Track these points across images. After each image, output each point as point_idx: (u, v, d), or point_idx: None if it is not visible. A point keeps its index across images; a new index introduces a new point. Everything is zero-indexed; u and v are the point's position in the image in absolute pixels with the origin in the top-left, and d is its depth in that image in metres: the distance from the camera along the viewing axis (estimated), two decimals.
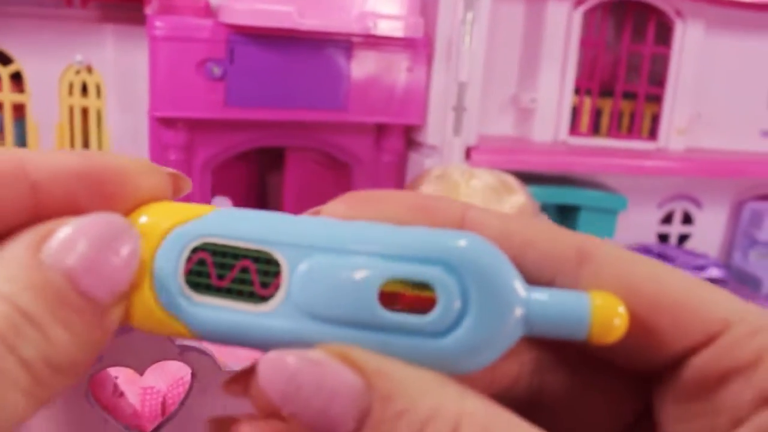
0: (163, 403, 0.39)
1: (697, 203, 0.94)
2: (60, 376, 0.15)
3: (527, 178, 0.72)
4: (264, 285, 0.16)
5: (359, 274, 0.15)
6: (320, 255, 0.16)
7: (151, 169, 0.18)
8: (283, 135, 0.75)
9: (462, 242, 0.15)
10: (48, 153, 0.17)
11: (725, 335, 0.15)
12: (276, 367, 0.15)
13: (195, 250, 0.17)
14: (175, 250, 0.17)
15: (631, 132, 0.89)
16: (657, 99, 0.88)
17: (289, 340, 0.16)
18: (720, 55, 0.90)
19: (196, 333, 0.17)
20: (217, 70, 0.66)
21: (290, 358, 0.15)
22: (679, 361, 0.16)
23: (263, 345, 0.16)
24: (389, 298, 0.15)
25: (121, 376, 0.36)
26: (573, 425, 0.18)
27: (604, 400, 0.18)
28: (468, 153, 0.76)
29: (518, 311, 0.15)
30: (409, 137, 0.80)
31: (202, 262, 0.16)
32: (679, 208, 0.94)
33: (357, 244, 0.16)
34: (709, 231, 0.95)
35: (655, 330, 0.16)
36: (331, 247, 0.16)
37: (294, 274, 0.16)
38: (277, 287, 0.16)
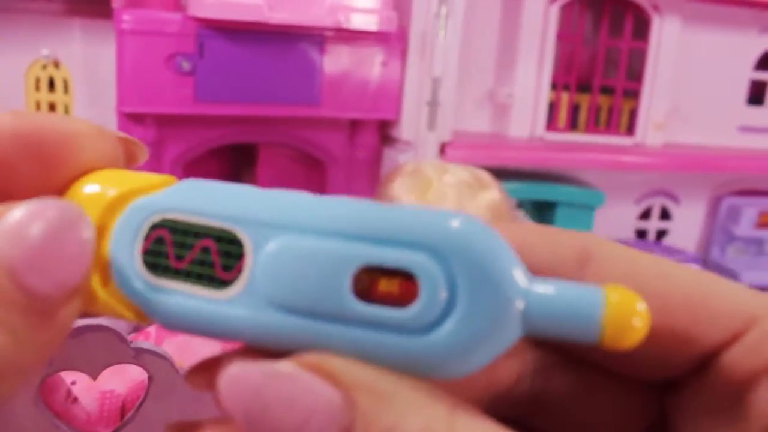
0: (123, 408, 0.38)
1: (675, 199, 0.94)
2: (1, 382, 0.13)
3: (504, 174, 0.72)
4: (226, 268, 0.14)
5: (329, 259, 0.13)
6: (288, 235, 0.14)
7: (98, 132, 0.16)
8: (255, 131, 0.74)
9: (451, 223, 0.13)
10: None
11: (752, 331, 0.14)
12: (239, 383, 0.13)
13: (154, 227, 0.15)
14: (132, 227, 0.15)
15: (609, 127, 0.88)
16: (635, 94, 0.87)
17: (250, 332, 0.14)
18: (697, 50, 0.90)
19: (153, 319, 0.15)
20: (186, 65, 0.65)
21: (255, 372, 0.13)
22: (699, 364, 0.14)
23: (223, 336, 0.14)
24: (366, 289, 0.13)
25: (79, 380, 0.35)
26: None
27: (612, 407, 0.17)
28: (443, 149, 0.75)
29: (516, 306, 0.13)
30: (384, 133, 0.79)
31: (160, 241, 0.15)
32: (657, 204, 0.94)
33: (330, 222, 0.14)
34: (686, 226, 0.95)
35: (671, 331, 0.14)
36: (300, 226, 0.14)
37: (258, 256, 0.14)
38: (239, 271, 0.14)
